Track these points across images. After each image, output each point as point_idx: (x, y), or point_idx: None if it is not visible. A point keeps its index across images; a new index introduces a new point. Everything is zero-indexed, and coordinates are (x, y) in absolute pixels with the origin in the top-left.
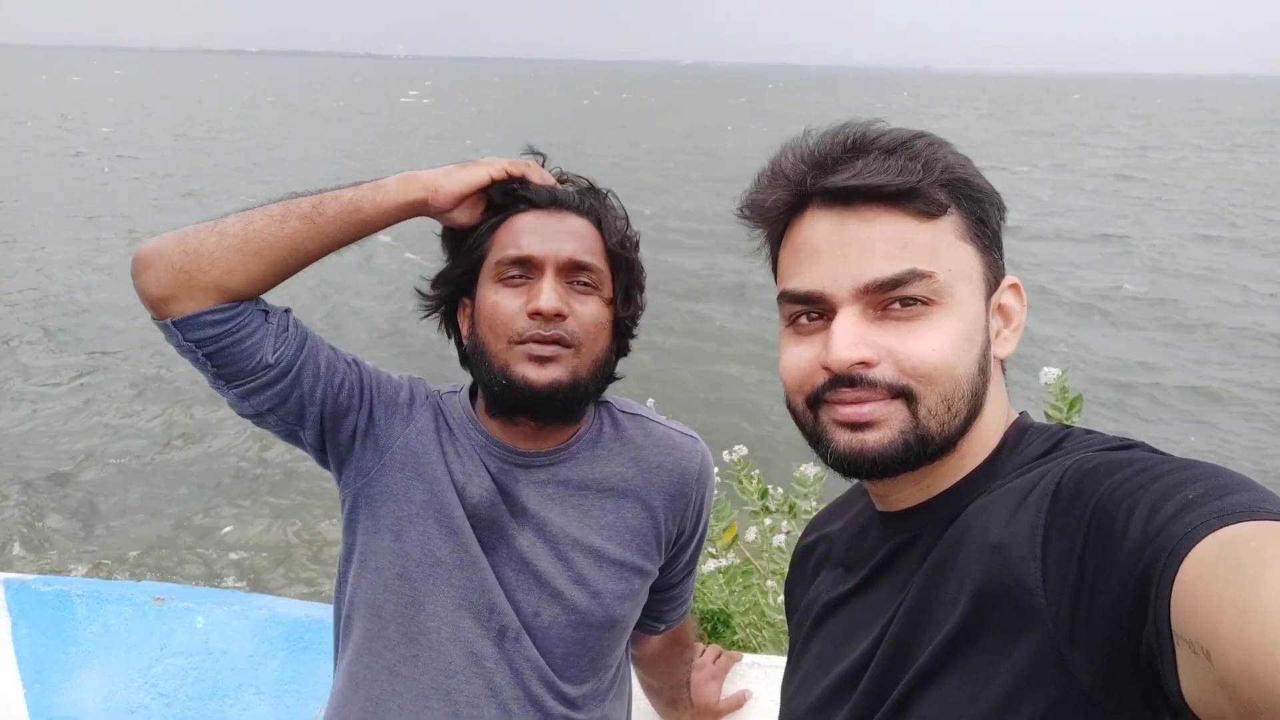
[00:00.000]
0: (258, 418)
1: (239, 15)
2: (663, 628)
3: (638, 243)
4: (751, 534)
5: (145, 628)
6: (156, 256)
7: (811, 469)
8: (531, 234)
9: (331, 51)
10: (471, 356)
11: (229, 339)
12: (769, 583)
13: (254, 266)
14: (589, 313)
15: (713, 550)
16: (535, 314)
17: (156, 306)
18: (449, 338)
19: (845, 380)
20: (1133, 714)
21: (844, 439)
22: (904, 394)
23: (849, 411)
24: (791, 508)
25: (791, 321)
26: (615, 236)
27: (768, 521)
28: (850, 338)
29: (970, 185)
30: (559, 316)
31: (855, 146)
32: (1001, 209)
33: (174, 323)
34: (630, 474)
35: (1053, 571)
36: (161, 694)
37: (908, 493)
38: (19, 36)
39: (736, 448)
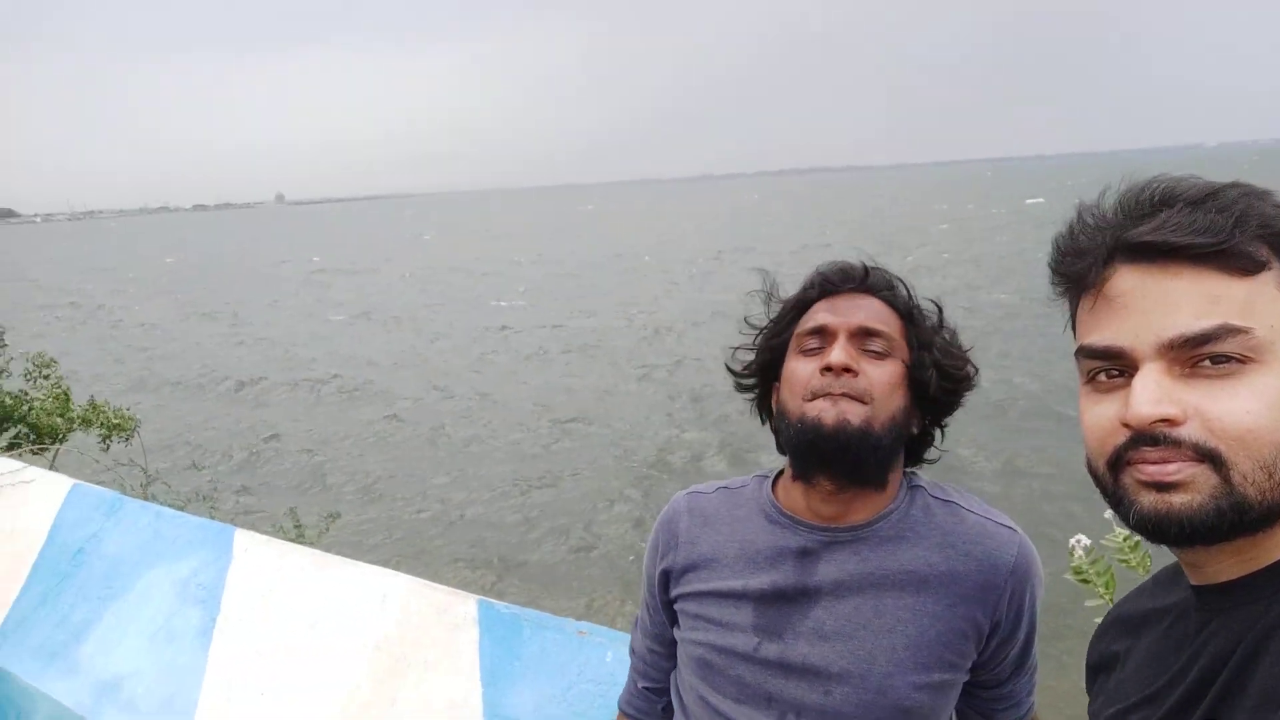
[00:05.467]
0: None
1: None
2: None
3: (952, 330)
4: None
5: (569, 655)
6: None
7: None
8: (826, 311)
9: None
10: (777, 424)
11: None
12: None
13: None
14: (881, 373)
15: None
16: (826, 369)
17: None
18: (763, 422)
19: (1148, 438)
20: None
21: (1148, 500)
22: (1212, 457)
23: (1153, 470)
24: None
25: (1090, 378)
26: (905, 307)
27: None
28: (1153, 393)
29: None
30: (848, 371)
31: (1159, 200)
32: None
33: None
34: (936, 559)
35: None
36: (576, 713)
37: (1226, 564)
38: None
39: (1078, 536)
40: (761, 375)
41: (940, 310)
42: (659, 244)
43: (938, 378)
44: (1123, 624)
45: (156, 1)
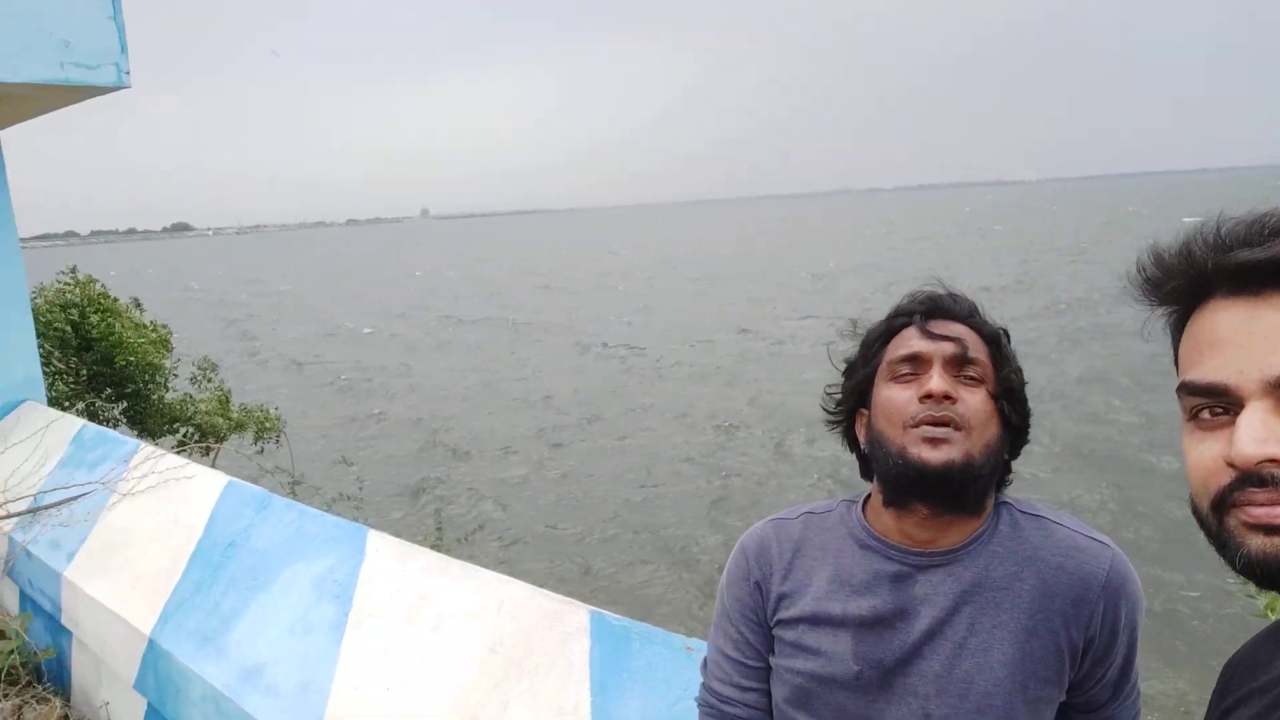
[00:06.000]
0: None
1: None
2: None
3: (1016, 365)
4: None
5: (675, 670)
6: None
7: None
8: (919, 338)
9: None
10: (871, 452)
11: None
12: None
13: None
14: (977, 400)
15: None
16: (926, 396)
17: None
18: (847, 449)
19: (1255, 479)
20: None
21: (1257, 543)
22: None
23: (1260, 512)
24: None
25: (1193, 416)
26: (991, 334)
27: None
28: (1259, 432)
29: None
30: (948, 398)
31: (1271, 231)
32: None
33: None
34: (1027, 575)
35: None
36: None
37: None
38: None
39: None
40: (847, 403)
41: (1007, 335)
42: (785, 261)
43: (1010, 405)
44: (1236, 683)
45: (312, 37)
